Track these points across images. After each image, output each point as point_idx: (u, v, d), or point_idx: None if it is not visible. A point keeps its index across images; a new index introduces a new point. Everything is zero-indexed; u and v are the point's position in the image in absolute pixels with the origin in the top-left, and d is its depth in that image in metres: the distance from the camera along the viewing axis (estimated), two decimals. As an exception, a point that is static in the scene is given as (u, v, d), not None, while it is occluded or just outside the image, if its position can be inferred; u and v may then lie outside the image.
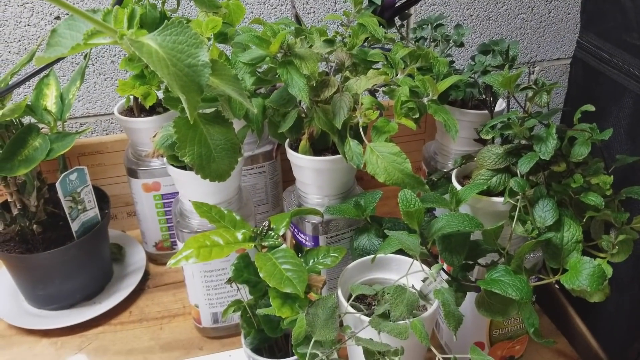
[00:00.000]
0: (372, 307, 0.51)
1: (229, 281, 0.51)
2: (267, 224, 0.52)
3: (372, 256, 0.54)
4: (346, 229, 0.62)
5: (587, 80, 0.66)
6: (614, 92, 0.60)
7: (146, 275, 0.78)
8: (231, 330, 0.67)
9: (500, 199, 0.52)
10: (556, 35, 1.01)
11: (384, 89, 0.57)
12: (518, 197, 0.49)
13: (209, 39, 0.51)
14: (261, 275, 0.47)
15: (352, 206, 0.58)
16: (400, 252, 0.51)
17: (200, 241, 0.48)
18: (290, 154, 0.60)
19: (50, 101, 0.66)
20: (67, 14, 0.41)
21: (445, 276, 0.50)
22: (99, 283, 0.73)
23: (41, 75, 0.67)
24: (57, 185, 0.63)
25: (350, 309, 0.49)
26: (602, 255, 0.49)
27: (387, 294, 0.48)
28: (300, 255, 0.53)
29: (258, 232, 0.51)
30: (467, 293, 0.51)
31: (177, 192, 0.62)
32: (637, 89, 0.57)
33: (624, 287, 0.59)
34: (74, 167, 0.65)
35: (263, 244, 0.51)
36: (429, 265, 0.50)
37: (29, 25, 0.78)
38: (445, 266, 0.50)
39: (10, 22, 0.77)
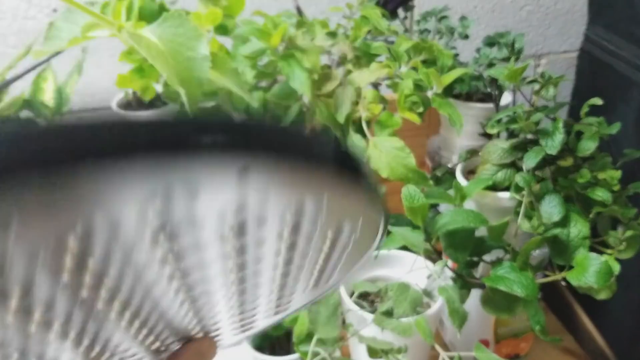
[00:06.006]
0: (375, 304, 0.51)
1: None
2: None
3: (375, 253, 0.53)
4: (349, 225, 0.61)
5: (594, 74, 0.65)
6: (622, 85, 0.59)
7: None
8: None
9: (505, 195, 0.51)
10: (563, 28, 1.00)
11: (387, 82, 0.56)
12: (524, 192, 0.49)
13: (208, 31, 0.50)
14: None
15: (354, 202, 0.57)
16: (404, 248, 0.50)
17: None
18: (292, 149, 0.59)
19: (48, 95, 0.65)
20: (65, 7, 0.40)
21: (449, 273, 0.49)
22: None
23: (38, 69, 0.66)
24: (57, 180, 0.62)
25: (353, 306, 0.48)
26: (609, 251, 0.48)
27: (391, 291, 0.48)
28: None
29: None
30: (472, 290, 0.50)
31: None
32: (646, 82, 0.56)
33: (631, 283, 0.58)
34: (73, 162, 0.65)
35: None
36: (433, 261, 0.50)
37: (26, 18, 0.77)
38: (449, 263, 0.49)
39: (8, 15, 0.77)
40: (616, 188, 0.49)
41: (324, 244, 0.19)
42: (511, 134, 0.56)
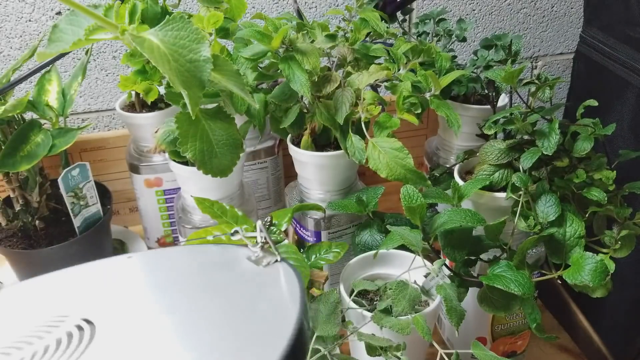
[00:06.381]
0: (374, 302, 0.51)
1: (231, 277, 0.51)
2: (269, 220, 0.52)
3: (374, 252, 0.54)
4: (348, 225, 0.62)
5: (590, 75, 0.66)
6: (617, 87, 0.60)
7: (148, 271, 0.78)
8: (233, 326, 0.67)
9: (502, 195, 0.52)
10: (559, 30, 1.00)
11: (386, 84, 0.57)
12: (520, 192, 0.49)
13: (210, 34, 0.51)
14: (263, 270, 0.46)
15: (354, 202, 0.58)
16: (403, 247, 0.51)
17: (202, 237, 0.48)
18: (292, 150, 0.59)
19: (52, 97, 0.66)
20: (69, 9, 0.41)
21: (447, 272, 0.50)
22: (101, 278, 0.73)
23: (42, 70, 0.67)
24: (59, 181, 0.63)
25: (353, 305, 0.49)
26: (604, 250, 0.49)
27: (389, 289, 0.48)
28: (302, 250, 0.53)
29: (260, 227, 0.51)
30: (469, 288, 0.51)
31: (179, 188, 0.62)
32: (641, 83, 0.57)
33: (626, 282, 0.59)
34: (76, 163, 0.65)
35: (265, 239, 0.51)
36: (431, 260, 0.50)
37: (30, 20, 0.78)
38: (447, 262, 0.50)
39: (12, 18, 0.77)
40: (611, 188, 0.50)
41: None
42: (508, 135, 0.56)
